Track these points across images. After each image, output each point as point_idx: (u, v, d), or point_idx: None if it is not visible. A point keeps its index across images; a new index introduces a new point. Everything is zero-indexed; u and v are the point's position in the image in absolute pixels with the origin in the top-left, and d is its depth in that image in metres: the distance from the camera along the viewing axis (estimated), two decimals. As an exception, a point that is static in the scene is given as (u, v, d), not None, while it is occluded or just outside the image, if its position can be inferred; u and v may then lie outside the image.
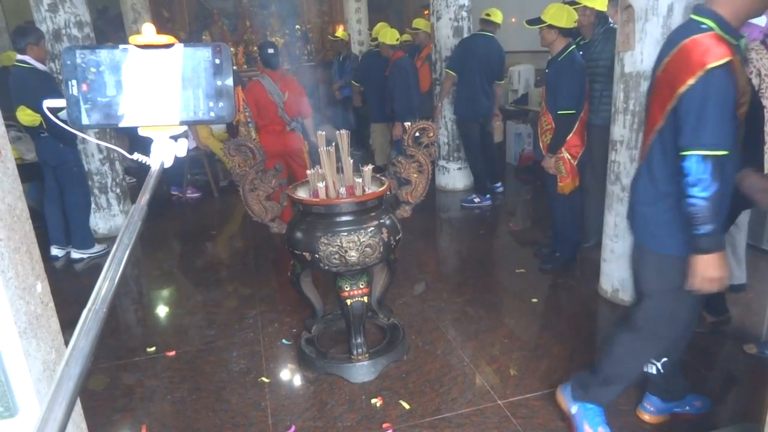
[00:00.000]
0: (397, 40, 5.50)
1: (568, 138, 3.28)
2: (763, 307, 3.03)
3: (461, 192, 5.54)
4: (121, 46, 0.64)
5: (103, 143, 1.27)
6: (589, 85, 3.35)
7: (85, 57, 0.64)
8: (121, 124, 0.66)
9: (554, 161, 3.33)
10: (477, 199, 5.09)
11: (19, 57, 3.76)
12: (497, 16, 4.78)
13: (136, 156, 0.73)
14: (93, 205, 4.64)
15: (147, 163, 0.69)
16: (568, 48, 3.20)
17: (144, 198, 0.65)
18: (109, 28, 8.13)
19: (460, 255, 4.20)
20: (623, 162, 2.87)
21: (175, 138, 0.69)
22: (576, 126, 3.26)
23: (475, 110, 4.77)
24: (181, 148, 0.70)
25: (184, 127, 0.69)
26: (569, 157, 3.31)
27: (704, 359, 2.56)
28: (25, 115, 3.69)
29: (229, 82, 0.67)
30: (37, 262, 0.79)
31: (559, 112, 3.20)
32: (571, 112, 3.19)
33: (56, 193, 4.15)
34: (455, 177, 5.56)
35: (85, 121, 0.65)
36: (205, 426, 2.30)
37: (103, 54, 0.64)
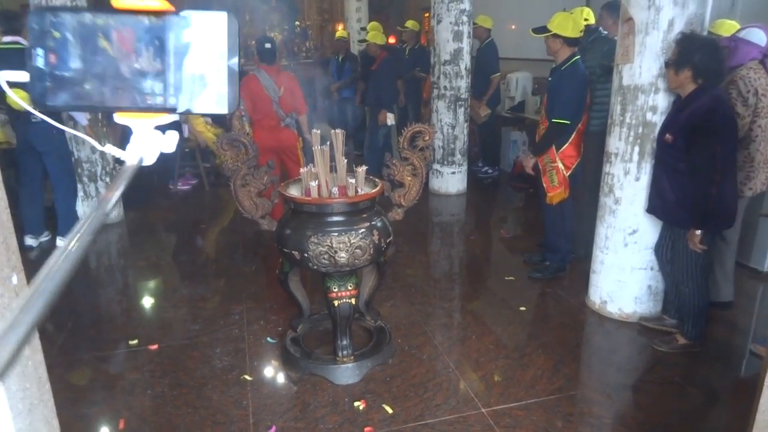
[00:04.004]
0: (385, 42, 6.06)
1: (564, 148, 3.28)
2: (748, 324, 3.05)
3: (454, 196, 5.53)
4: (102, 11, 0.52)
5: (69, 130, 1.17)
6: (590, 96, 3.35)
7: (57, 21, 0.51)
8: (94, 107, 0.54)
9: (533, 163, 3.37)
10: (490, 170, 6.15)
11: (7, 38, 3.69)
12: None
13: (109, 148, 0.60)
14: (81, 194, 4.58)
15: (121, 159, 0.57)
16: (572, 58, 3.20)
17: (111, 197, 0.53)
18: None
19: (450, 260, 4.19)
20: (617, 174, 2.87)
21: (162, 129, 0.57)
22: (573, 137, 3.25)
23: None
24: (170, 142, 0.58)
25: (173, 117, 0.56)
26: (563, 167, 3.31)
27: (687, 376, 2.56)
28: (22, 97, 3.62)
29: (235, 63, 0.54)
30: (13, 253, 0.76)
31: (553, 120, 3.20)
32: (565, 122, 3.18)
33: (37, 180, 4.05)
34: (449, 181, 5.55)
35: (51, 100, 0.53)
36: (185, 422, 2.27)
37: (79, 19, 0.51)
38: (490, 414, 2.28)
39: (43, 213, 4.21)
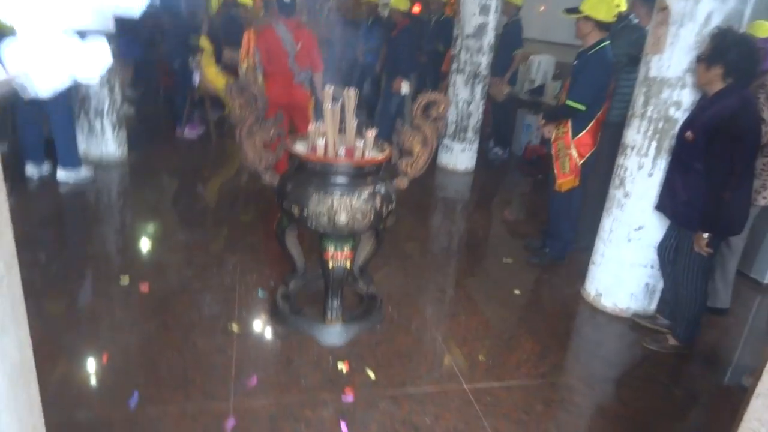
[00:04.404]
0: (408, 9, 5.87)
1: (580, 136, 3.20)
2: (740, 333, 3.03)
3: (461, 173, 5.46)
4: None
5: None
6: (613, 85, 3.25)
7: None
8: None
9: (550, 128, 3.34)
10: (500, 151, 6.15)
11: None
12: None
13: None
14: (86, 129, 4.54)
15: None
16: (601, 42, 3.09)
17: None
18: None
19: (450, 236, 4.16)
20: (630, 168, 2.81)
21: (81, 36, 0.35)
22: (591, 125, 3.17)
23: None
24: (94, 64, 0.37)
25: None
26: (576, 155, 3.24)
27: (672, 376, 2.55)
28: None
29: None
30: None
31: (567, 101, 3.11)
32: (579, 108, 3.09)
33: (34, 110, 3.96)
34: (458, 157, 5.48)
35: None
36: (168, 364, 2.28)
37: None
38: (471, 390, 2.28)
39: (44, 141, 4.14)
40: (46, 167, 4.18)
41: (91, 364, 2.24)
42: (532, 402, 2.25)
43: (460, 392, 2.27)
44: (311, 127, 2.42)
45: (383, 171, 2.48)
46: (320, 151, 2.33)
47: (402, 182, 2.56)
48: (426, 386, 2.29)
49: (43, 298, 2.62)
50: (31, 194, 3.96)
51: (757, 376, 1.22)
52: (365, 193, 2.31)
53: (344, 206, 2.26)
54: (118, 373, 2.21)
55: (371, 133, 2.40)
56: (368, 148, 2.41)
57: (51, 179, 4.15)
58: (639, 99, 2.76)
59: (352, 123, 2.40)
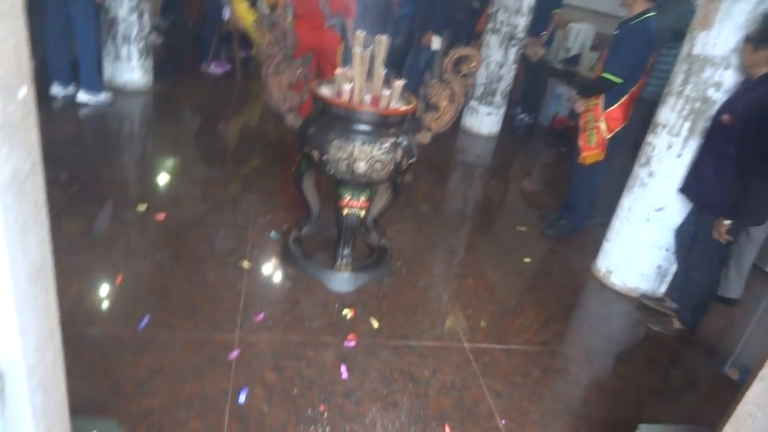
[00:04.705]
0: None
1: (612, 109, 3.12)
2: (746, 325, 3.01)
3: (484, 138, 5.38)
4: None
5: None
6: (652, 60, 3.13)
7: None
8: None
9: (581, 104, 3.26)
10: (526, 117, 5.90)
11: None
12: None
13: None
14: (113, 54, 4.51)
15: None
16: (646, 13, 2.96)
17: None
18: None
19: (467, 199, 4.13)
20: (659, 147, 2.74)
21: None
22: (624, 99, 3.08)
23: None
24: None
25: None
26: (605, 129, 3.16)
27: (673, 358, 2.56)
28: None
29: None
30: (24, 65, 0.71)
31: (604, 73, 3.01)
32: (616, 81, 2.99)
33: (63, 30, 3.93)
34: (482, 121, 5.38)
35: None
36: (178, 292, 2.33)
37: None
38: (471, 349, 2.32)
39: (70, 63, 4.13)
40: (71, 89, 4.19)
41: (104, 285, 2.30)
42: (530, 367, 2.28)
43: (460, 350, 2.31)
44: (338, 71, 2.38)
45: (407, 124, 2.45)
46: (345, 96, 2.30)
47: (425, 137, 2.52)
48: (427, 341, 2.33)
49: (63, 216, 2.67)
50: (54, 113, 3.98)
51: (762, 359, 1.22)
52: (387, 144, 2.29)
53: (364, 154, 2.24)
54: (129, 295, 2.27)
55: (399, 84, 2.35)
56: (394, 99, 2.37)
57: (74, 100, 4.16)
58: (678, 76, 2.66)
59: (380, 71, 2.36)
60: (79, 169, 3.22)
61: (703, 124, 2.57)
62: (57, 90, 4.11)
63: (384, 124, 2.31)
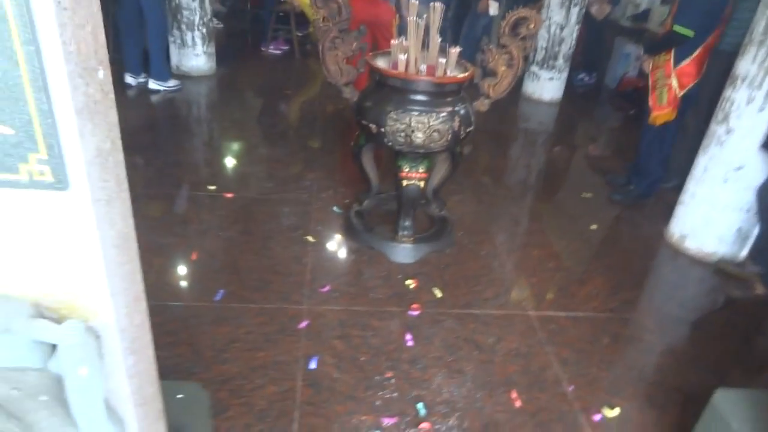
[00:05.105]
0: None
1: (683, 64, 2.93)
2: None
3: (546, 104, 5.21)
4: None
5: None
6: (730, 9, 2.90)
7: None
8: None
9: (649, 64, 3.09)
10: (586, 77, 5.84)
11: None
12: None
13: None
14: (179, 41, 4.69)
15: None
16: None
17: None
18: None
19: (529, 167, 4.04)
20: (739, 101, 2.55)
21: None
22: (698, 52, 2.88)
23: None
24: None
25: None
26: (677, 86, 2.98)
27: (754, 325, 2.42)
28: None
29: None
30: (101, 48, 0.77)
31: (674, 27, 2.81)
32: (688, 34, 2.78)
33: (135, 21, 4.14)
34: (544, 87, 5.20)
35: None
36: (248, 266, 2.44)
37: None
38: (536, 318, 2.30)
39: (141, 53, 4.35)
40: (142, 77, 4.42)
41: (181, 262, 2.45)
42: (598, 334, 2.24)
43: (524, 318, 2.29)
44: (393, 42, 2.37)
45: (464, 92, 2.41)
46: (401, 67, 2.29)
47: (483, 104, 2.48)
48: (491, 309, 2.33)
49: (140, 199, 2.85)
50: (128, 101, 4.23)
51: None
52: (444, 113, 2.27)
53: (422, 125, 2.24)
54: (204, 270, 2.40)
55: (455, 51, 2.32)
56: (450, 67, 2.34)
57: (146, 87, 4.39)
58: (760, 23, 2.46)
59: (435, 39, 2.33)
60: (153, 154, 3.41)
61: (788, 73, 2.37)
62: (130, 79, 4.36)
63: (440, 93, 2.29)
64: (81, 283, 0.85)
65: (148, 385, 1.08)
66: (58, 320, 0.82)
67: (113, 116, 0.83)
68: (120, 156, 0.86)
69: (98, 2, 0.75)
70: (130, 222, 0.92)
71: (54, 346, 0.82)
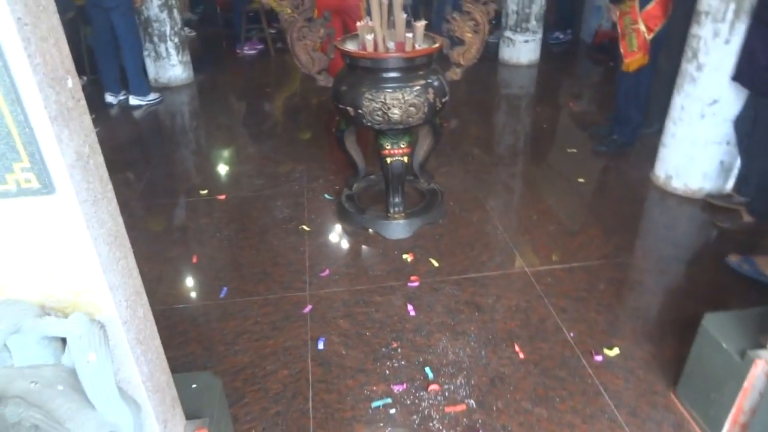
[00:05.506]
0: None
1: (649, 7, 2.96)
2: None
3: (525, 67, 5.23)
4: None
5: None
6: None
7: None
8: None
9: (615, 13, 3.10)
10: (561, 35, 5.95)
11: None
12: None
13: None
14: (153, 54, 4.72)
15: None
16: None
17: None
18: None
19: (513, 131, 4.08)
20: (705, 37, 2.59)
21: None
22: (660, -8, 2.91)
23: None
24: None
25: None
26: (645, 29, 3.01)
27: (745, 253, 2.48)
28: None
29: None
30: (66, 58, 0.82)
31: None
32: None
33: (108, 41, 4.18)
34: (520, 50, 5.22)
35: None
36: (248, 261, 2.51)
37: None
38: (532, 273, 2.36)
39: (118, 72, 4.39)
40: (122, 95, 4.46)
41: (184, 266, 2.51)
42: (593, 281, 2.30)
43: (521, 275, 2.36)
44: (359, 23, 2.41)
45: (435, 63, 2.45)
46: (369, 48, 2.33)
47: (455, 73, 2.52)
48: (488, 271, 2.39)
49: (136, 212, 2.91)
50: (112, 118, 4.28)
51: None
52: (417, 87, 2.31)
53: (397, 101, 2.29)
54: (207, 271, 2.47)
55: (421, 25, 2.35)
56: (418, 40, 2.38)
57: (127, 104, 4.43)
58: (717, -44, 2.49)
59: (400, 16, 2.36)
60: (142, 168, 3.46)
61: (749, 2, 2.40)
62: (110, 98, 4.40)
63: (411, 68, 2.33)
64: (80, 281, 0.91)
65: (159, 372, 1.14)
66: (65, 317, 0.88)
67: (88, 121, 0.88)
68: (100, 158, 0.92)
69: (57, 16, 0.80)
70: (120, 220, 0.98)
71: (64, 343, 0.88)
